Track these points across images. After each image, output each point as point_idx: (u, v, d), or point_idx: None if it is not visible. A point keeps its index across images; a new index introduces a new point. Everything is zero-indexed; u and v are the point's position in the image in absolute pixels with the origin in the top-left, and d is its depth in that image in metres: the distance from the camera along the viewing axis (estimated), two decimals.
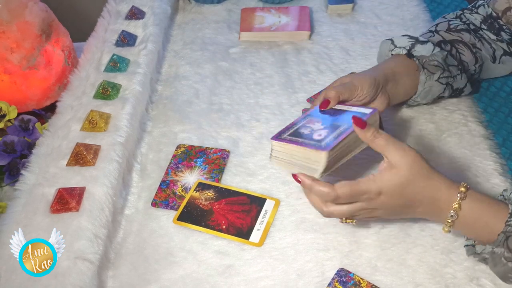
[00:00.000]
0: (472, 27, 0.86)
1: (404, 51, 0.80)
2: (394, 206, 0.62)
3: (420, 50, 0.80)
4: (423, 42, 0.81)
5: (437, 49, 0.81)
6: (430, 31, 0.87)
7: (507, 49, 0.85)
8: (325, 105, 0.71)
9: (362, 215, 0.64)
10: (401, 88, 0.80)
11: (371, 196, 0.61)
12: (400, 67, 0.79)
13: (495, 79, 0.93)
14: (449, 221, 0.61)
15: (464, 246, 0.65)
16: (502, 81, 0.93)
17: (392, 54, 0.82)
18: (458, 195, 0.60)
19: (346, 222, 0.65)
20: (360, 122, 0.62)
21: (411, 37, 0.83)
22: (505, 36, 0.84)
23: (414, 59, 0.80)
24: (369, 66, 0.99)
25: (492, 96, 0.90)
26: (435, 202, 0.61)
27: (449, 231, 0.63)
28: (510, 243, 0.58)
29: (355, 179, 0.61)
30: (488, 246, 0.61)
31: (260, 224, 0.71)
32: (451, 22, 0.87)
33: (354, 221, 0.65)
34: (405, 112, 0.88)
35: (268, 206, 0.74)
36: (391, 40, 0.83)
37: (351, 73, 0.84)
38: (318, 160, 0.62)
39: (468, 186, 0.61)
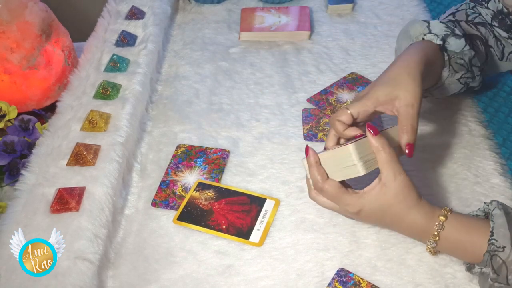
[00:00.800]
0: (482, 20, 0.83)
1: (439, 41, 0.74)
2: (375, 221, 0.66)
3: (452, 44, 0.76)
4: (457, 36, 0.76)
5: (467, 47, 0.77)
6: (451, 20, 0.82)
7: None
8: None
9: (343, 215, 0.69)
10: (424, 79, 0.72)
11: (350, 209, 0.63)
12: (431, 57, 0.72)
13: (495, 79, 0.93)
14: (430, 246, 0.63)
15: (464, 264, 0.65)
16: (502, 81, 0.93)
17: (423, 38, 0.76)
18: (436, 226, 0.61)
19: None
20: (373, 128, 0.62)
21: (447, 26, 0.77)
22: None
23: (445, 53, 0.76)
24: (369, 66, 0.99)
25: (492, 96, 0.90)
26: (417, 226, 0.63)
27: (435, 253, 0.65)
28: (494, 263, 0.58)
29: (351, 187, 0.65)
30: (477, 266, 0.61)
31: (260, 224, 0.71)
32: (468, 12, 0.83)
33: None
34: None
35: (268, 206, 0.74)
36: (427, 23, 0.77)
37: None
38: (348, 155, 0.62)
39: (449, 213, 0.62)
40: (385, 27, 1.10)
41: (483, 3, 0.84)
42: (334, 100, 0.92)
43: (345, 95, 0.93)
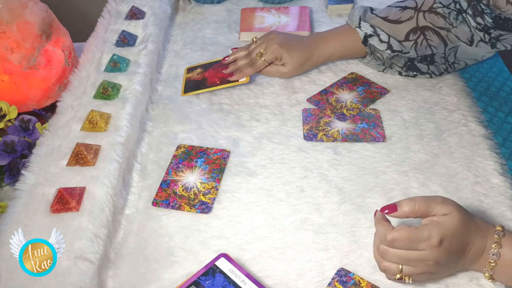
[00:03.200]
0: (458, 7, 0.85)
1: (362, 36, 0.92)
2: (450, 253, 0.59)
3: (374, 43, 0.91)
4: (382, 41, 0.90)
5: (388, 51, 0.90)
6: (414, 8, 0.91)
7: (483, 38, 0.84)
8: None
9: (419, 268, 0.59)
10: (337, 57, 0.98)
11: (433, 243, 0.57)
12: (346, 42, 0.95)
13: (495, 79, 0.93)
14: (492, 262, 0.60)
15: None
16: (502, 81, 0.93)
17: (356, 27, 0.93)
18: (496, 234, 0.60)
19: (401, 280, 0.60)
20: (388, 208, 0.60)
21: (375, 31, 0.91)
22: (488, 18, 0.80)
23: (367, 47, 0.94)
24: (369, 66, 1.00)
25: (492, 96, 0.90)
26: (479, 241, 0.60)
27: (492, 280, 0.62)
28: None
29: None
30: None
31: None
32: (437, 1, 0.89)
33: (410, 279, 0.60)
34: (406, 112, 0.88)
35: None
36: (359, 21, 0.93)
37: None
38: None
39: (504, 227, 0.61)
40: None
41: None
42: (334, 100, 0.92)
43: (345, 95, 0.93)
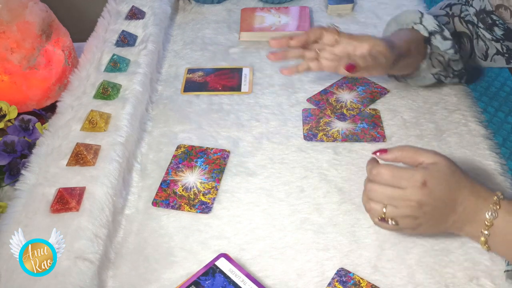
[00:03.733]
0: (471, 19, 0.84)
1: (426, 34, 0.80)
2: (438, 201, 0.58)
3: (438, 41, 0.80)
4: (444, 37, 0.80)
5: (452, 50, 0.80)
6: (447, 14, 0.85)
7: (500, 49, 0.83)
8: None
9: (402, 210, 0.59)
10: (402, 65, 0.80)
11: (416, 183, 0.57)
12: (412, 47, 0.79)
13: (495, 79, 0.93)
14: (487, 223, 0.58)
15: (505, 272, 0.63)
16: (502, 81, 0.93)
17: (412, 27, 0.82)
18: (495, 197, 0.59)
19: (385, 221, 0.60)
20: (380, 151, 0.62)
21: (439, 24, 0.81)
22: (498, 31, 0.80)
23: (428, 46, 0.80)
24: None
25: (492, 96, 0.90)
26: (474, 196, 0.59)
27: (488, 248, 0.60)
28: None
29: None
30: None
31: (244, 81, 0.97)
32: (463, 9, 0.85)
33: (394, 222, 0.60)
34: (406, 112, 0.88)
35: (245, 71, 0.99)
36: (421, 14, 0.81)
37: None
38: None
39: (502, 196, 0.60)
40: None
41: (469, 0, 0.84)
42: (334, 100, 0.92)
43: (345, 95, 0.93)
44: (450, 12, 0.84)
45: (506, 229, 0.58)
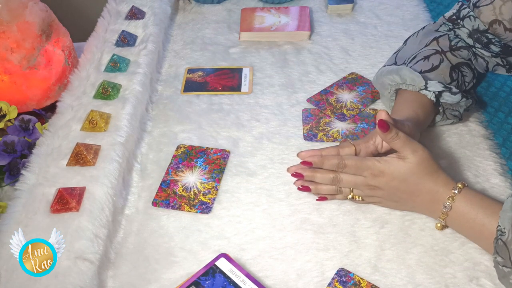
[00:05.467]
0: (465, 44, 0.84)
1: (433, 98, 0.77)
2: (395, 189, 0.68)
3: (448, 99, 0.78)
4: (453, 93, 0.78)
5: (463, 100, 0.78)
6: (437, 52, 0.81)
7: (500, 62, 0.84)
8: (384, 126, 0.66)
9: (365, 192, 0.70)
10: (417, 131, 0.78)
11: (374, 172, 0.67)
12: (423, 110, 0.78)
13: (495, 79, 0.93)
14: (443, 212, 0.66)
15: (494, 266, 0.63)
16: (502, 81, 0.93)
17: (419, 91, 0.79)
18: (454, 190, 0.65)
19: (354, 199, 0.72)
20: (383, 125, 0.65)
21: (445, 86, 0.78)
22: (494, 48, 0.81)
23: (440, 106, 0.81)
24: (369, 66, 0.99)
25: (492, 96, 0.90)
26: (433, 193, 0.66)
27: (442, 227, 0.68)
28: (497, 247, 0.59)
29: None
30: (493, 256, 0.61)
31: (244, 81, 0.97)
32: (451, 38, 0.83)
33: (361, 198, 0.72)
34: None
35: (245, 71, 0.99)
36: (426, 82, 0.77)
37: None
38: None
39: (466, 184, 0.66)
40: (385, 27, 1.10)
41: (459, 21, 0.83)
42: (334, 100, 0.92)
43: (345, 95, 0.93)
44: (440, 49, 0.82)
45: (459, 215, 0.65)
